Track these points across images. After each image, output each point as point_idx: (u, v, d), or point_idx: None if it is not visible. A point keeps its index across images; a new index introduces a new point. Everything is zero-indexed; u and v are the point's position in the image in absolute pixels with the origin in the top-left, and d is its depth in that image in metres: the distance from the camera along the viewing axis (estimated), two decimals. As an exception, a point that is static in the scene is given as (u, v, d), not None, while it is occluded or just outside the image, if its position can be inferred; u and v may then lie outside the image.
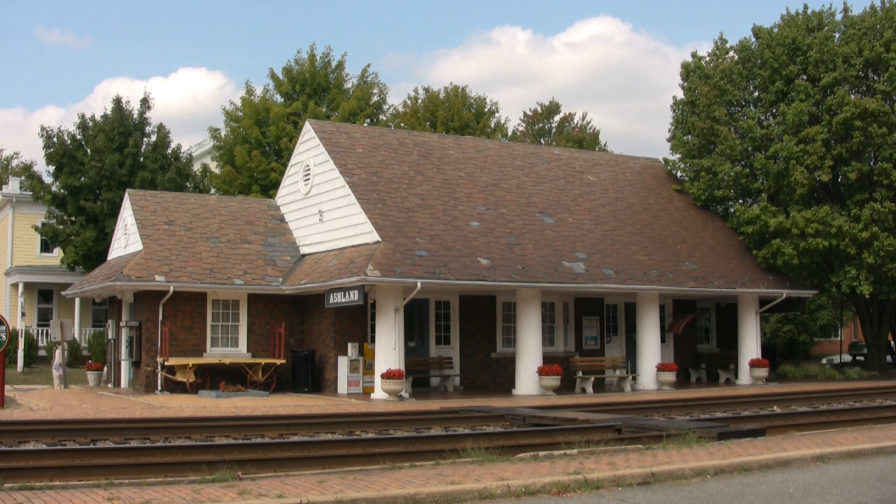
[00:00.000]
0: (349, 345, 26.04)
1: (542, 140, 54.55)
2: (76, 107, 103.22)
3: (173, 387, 25.76)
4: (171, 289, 25.63)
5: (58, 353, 29.11)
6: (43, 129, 37.43)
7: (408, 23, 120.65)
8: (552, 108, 55.53)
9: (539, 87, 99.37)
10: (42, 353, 38.64)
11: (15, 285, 42.71)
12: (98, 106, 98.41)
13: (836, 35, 32.91)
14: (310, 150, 28.86)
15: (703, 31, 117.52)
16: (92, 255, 36.76)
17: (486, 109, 46.90)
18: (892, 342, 40.20)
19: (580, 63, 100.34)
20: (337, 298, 24.38)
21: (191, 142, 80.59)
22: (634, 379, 28.99)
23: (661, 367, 28.50)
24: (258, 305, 27.44)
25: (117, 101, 38.87)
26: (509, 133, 49.43)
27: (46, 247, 42.42)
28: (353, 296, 23.69)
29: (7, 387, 24.24)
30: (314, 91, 41.62)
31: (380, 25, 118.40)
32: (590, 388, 27.47)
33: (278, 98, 42.27)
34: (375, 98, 43.30)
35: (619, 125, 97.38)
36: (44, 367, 35.60)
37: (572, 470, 10.83)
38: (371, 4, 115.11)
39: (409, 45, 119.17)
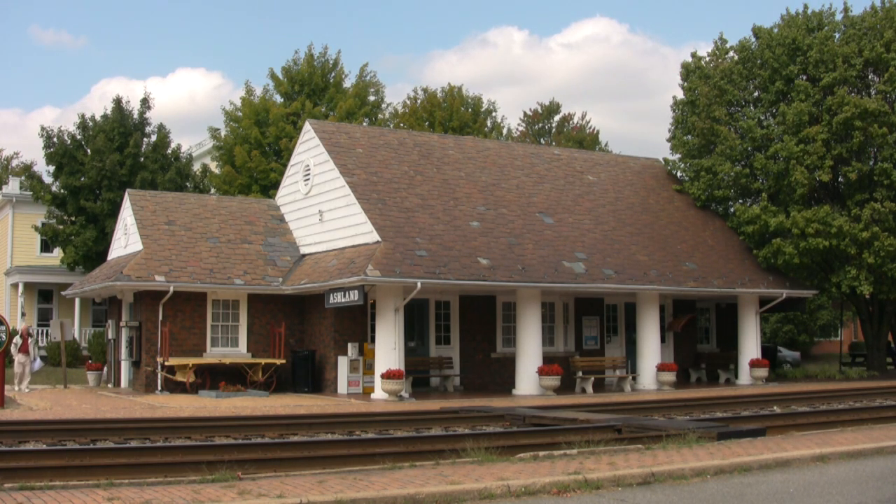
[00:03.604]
0: (349, 345, 26.03)
1: (541, 140, 54.55)
2: (73, 107, 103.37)
3: (173, 387, 25.76)
4: (171, 289, 25.63)
5: (31, 345, 26.76)
6: (43, 129, 37.49)
7: (404, 24, 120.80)
8: (552, 108, 55.52)
9: (536, 88, 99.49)
10: (42, 353, 38.62)
11: (15, 285, 42.72)
12: (95, 106, 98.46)
13: (836, 35, 32.89)
14: (310, 150, 28.86)
15: (701, 31, 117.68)
16: (92, 255, 36.76)
17: (482, 109, 46.90)
18: (892, 342, 40.18)
19: (577, 63, 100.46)
20: (337, 298, 24.38)
21: (188, 142, 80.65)
22: (634, 379, 28.98)
23: (661, 367, 28.50)
24: (258, 305, 27.44)
25: (117, 101, 38.89)
26: (504, 132, 49.42)
27: (46, 247, 42.42)
28: (353, 296, 23.69)
29: (7, 387, 24.22)
30: (313, 91, 41.62)
31: (376, 27, 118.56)
32: (590, 388, 27.46)
33: (278, 98, 42.28)
34: (373, 97, 43.33)
35: (616, 125, 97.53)
36: (44, 367, 35.50)
37: (572, 470, 10.83)
38: (367, 6, 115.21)
39: (406, 46, 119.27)
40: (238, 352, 27.07)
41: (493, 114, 47.87)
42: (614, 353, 31.03)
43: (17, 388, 26.14)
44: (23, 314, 40.39)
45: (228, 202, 30.87)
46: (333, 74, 42.39)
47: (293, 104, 40.60)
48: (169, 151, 39.25)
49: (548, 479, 10.28)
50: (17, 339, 26.52)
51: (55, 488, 9.87)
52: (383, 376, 23.82)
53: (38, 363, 27.77)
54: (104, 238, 35.87)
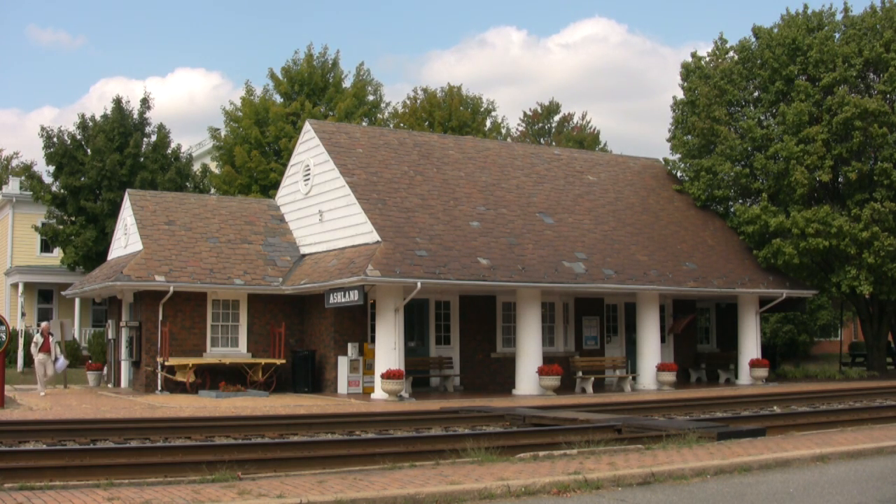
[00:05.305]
0: (349, 345, 26.03)
1: (541, 140, 54.54)
2: (72, 107, 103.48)
3: (173, 387, 25.76)
4: (171, 289, 25.63)
5: (53, 343, 25.92)
6: (43, 129, 37.49)
7: (402, 24, 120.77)
8: (552, 108, 55.51)
9: (534, 88, 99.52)
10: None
11: (15, 285, 42.70)
12: (94, 106, 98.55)
13: (836, 35, 32.90)
14: (310, 150, 28.86)
15: (699, 31, 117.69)
16: (92, 255, 36.75)
17: (481, 108, 46.89)
18: (893, 342, 40.18)
19: (575, 64, 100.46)
20: (337, 298, 24.38)
21: (188, 142, 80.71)
22: (634, 379, 28.98)
23: (661, 367, 28.50)
24: (258, 305, 27.44)
25: (117, 102, 38.88)
26: (503, 132, 49.41)
27: (46, 247, 42.40)
28: (353, 296, 23.69)
29: (7, 387, 24.21)
30: (312, 91, 41.62)
31: (374, 27, 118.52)
32: (590, 388, 27.46)
33: (278, 98, 42.27)
34: (372, 97, 43.32)
35: (614, 125, 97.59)
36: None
37: (572, 470, 10.83)
38: (366, 6, 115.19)
39: (403, 46, 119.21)
40: (238, 352, 27.07)
41: (493, 113, 47.92)
42: (614, 353, 31.03)
43: (41, 391, 25.62)
44: (23, 314, 40.37)
45: (228, 202, 30.87)
46: (333, 74, 42.38)
47: (293, 104, 40.59)
48: (169, 151, 39.25)
49: (548, 479, 10.28)
50: (37, 338, 25.70)
51: (55, 488, 9.87)
52: (383, 376, 23.82)
53: (62, 362, 26.45)
54: (104, 238, 35.87)
